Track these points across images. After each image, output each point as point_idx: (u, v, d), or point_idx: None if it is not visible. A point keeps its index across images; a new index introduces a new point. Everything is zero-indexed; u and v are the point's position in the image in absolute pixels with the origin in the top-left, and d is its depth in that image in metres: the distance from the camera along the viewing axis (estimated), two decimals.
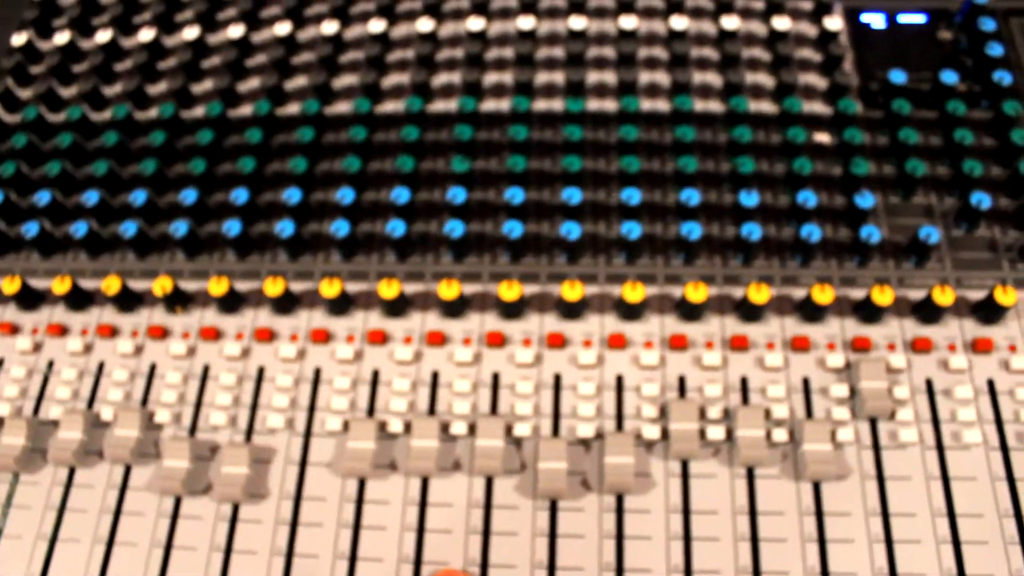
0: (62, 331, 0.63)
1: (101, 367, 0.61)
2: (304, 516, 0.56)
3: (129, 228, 0.63)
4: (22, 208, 0.67)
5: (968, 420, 0.56)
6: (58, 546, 0.56)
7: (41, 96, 0.73)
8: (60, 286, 0.62)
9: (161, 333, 0.62)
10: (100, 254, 0.65)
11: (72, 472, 0.58)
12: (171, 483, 0.56)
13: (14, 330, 0.63)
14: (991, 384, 0.57)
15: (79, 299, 0.63)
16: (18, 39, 0.77)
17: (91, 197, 0.65)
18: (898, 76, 0.66)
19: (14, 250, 0.66)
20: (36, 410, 0.60)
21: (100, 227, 0.66)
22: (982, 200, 0.61)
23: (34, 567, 0.55)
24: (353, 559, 0.54)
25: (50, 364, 0.62)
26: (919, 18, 0.72)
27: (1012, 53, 0.70)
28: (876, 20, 0.73)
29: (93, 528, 0.56)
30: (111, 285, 0.61)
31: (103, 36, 0.76)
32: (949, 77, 0.67)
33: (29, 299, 0.63)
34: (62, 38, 0.77)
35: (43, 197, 0.66)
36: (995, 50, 0.67)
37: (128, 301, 0.63)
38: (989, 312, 0.58)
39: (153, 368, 0.61)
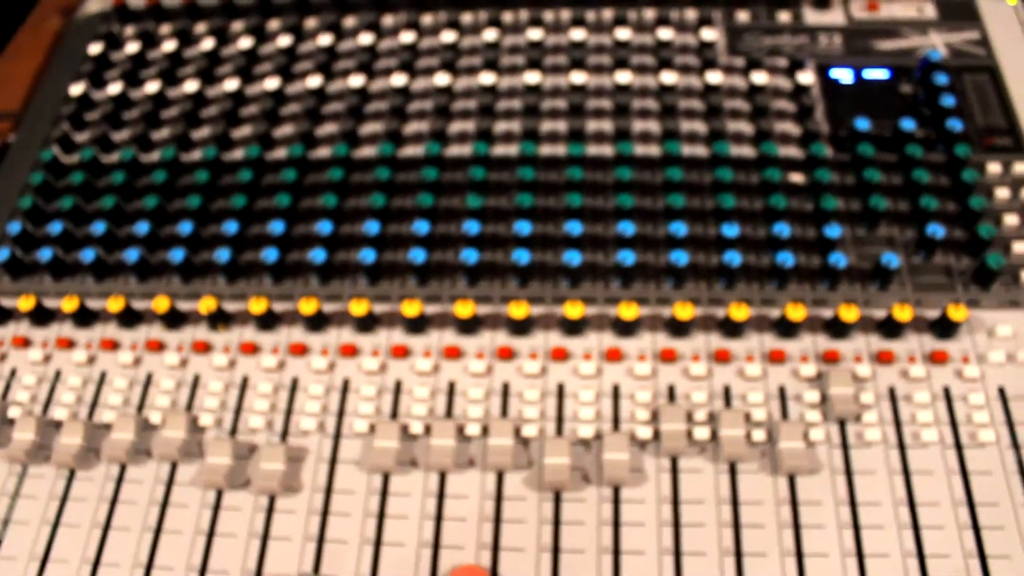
0: (114, 346, 0.69)
1: (150, 378, 0.68)
2: (334, 507, 0.61)
3: (176, 255, 0.70)
4: (78, 237, 0.74)
5: (926, 422, 0.62)
6: (111, 534, 0.61)
7: (96, 139, 0.80)
8: (114, 305, 0.68)
9: (204, 348, 0.68)
10: (148, 278, 0.72)
11: (123, 469, 0.64)
12: (214, 477, 0.61)
13: (70, 344, 0.69)
14: (947, 391, 0.63)
15: (129, 317, 0.69)
16: (75, 89, 0.84)
17: (141, 228, 0.72)
18: (863, 123, 0.73)
19: (70, 275, 0.73)
20: (91, 414, 0.66)
21: (149, 254, 0.72)
22: (936, 231, 0.67)
23: (89, 552, 0.60)
24: (378, 544, 0.60)
25: (103, 375, 0.68)
26: (883, 73, 0.79)
27: (964, 104, 0.76)
28: (844, 75, 0.79)
29: (142, 518, 0.62)
30: (160, 305, 0.68)
31: (151, 87, 0.83)
32: (908, 124, 0.73)
33: (84, 317, 0.70)
34: (115, 89, 0.84)
35: (98, 228, 0.73)
36: (948, 101, 0.74)
37: (175, 320, 0.69)
38: (944, 328, 0.65)
39: (197, 379, 0.67)
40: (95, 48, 0.87)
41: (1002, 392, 0.63)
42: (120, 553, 0.61)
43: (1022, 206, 0.71)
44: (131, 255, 0.71)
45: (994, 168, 0.73)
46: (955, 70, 0.79)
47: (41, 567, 0.61)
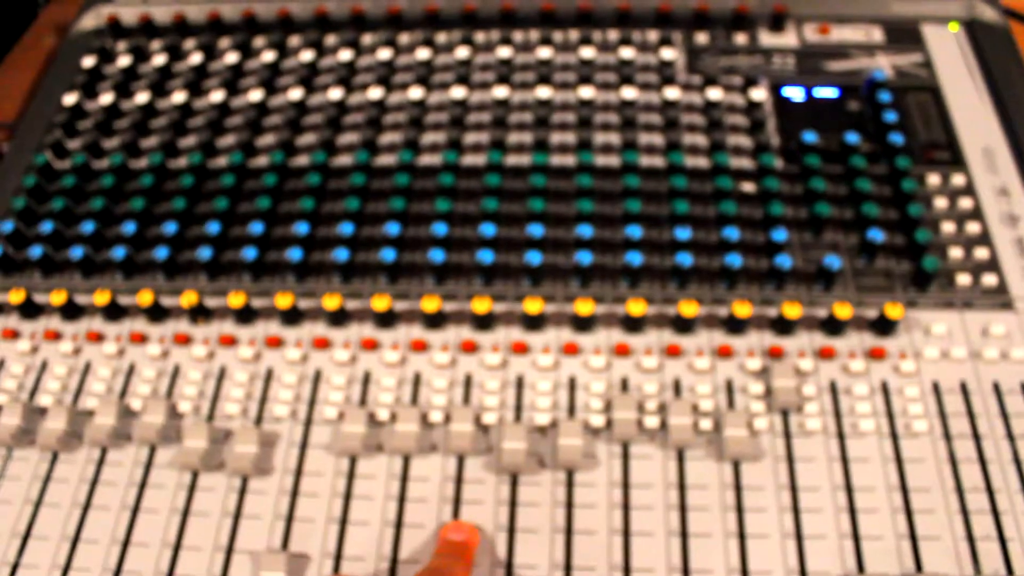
0: (99, 338, 0.72)
1: (132, 368, 0.71)
2: (303, 488, 0.64)
3: (161, 252, 0.74)
4: (68, 237, 0.78)
5: (864, 413, 0.65)
6: (90, 513, 0.64)
7: (87, 146, 0.84)
8: (100, 299, 0.72)
9: (185, 340, 0.72)
10: (133, 274, 0.75)
11: (104, 452, 0.67)
12: (190, 459, 0.64)
13: (58, 336, 0.73)
14: (884, 384, 0.66)
15: (114, 311, 0.73)
16: (69, 99, 0.88)
17: (128, 227, 0.76)
18: (810, 136, 0.78)
19: (59, 272, 0.76)
20: (75, 401, 0.69)
21: (135, 252, 0.76)
22: (876, 236, 0.71)
23: (69, 530, 0.63)
24: (344, 523, 0.62)
25: (88, 365, 0.71)
26: (832, 92, 0.83)
27: (907, 120, 0.81)
28: (796, 93, 0.84)
29: (121, 498, 0.64)
30: (143, 299, 0.71)
31: (141, 98, 0.88)
32: (852, 138, 0.78)
33: (71, 311, 0.73)
34: (106, 99, 0.88)
35: (87, 227, 0.76)
36: (890, 117, 0.79)
37: (158, 313, 0.72)
38: (882, 326, 0.68)
39: (177, 369, 0.70)
40: (88, 61, 0.92)
41: (936, 386, 0.66)
42: (99, 531, 0.64)
43: (958, 215, 0.75)
44: (118, 253, 0.74)
45: (933, 179, 0.77)
46: (899, 89, 0.84)
47: (22, 544, 0.63)
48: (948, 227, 0.74)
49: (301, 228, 0.75)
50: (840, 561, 0.59)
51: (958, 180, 0.77)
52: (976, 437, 0.64)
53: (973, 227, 0.74)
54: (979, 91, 0.84)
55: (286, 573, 0.60)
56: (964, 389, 0.66)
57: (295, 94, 0.86)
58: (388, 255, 0.72)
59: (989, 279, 0.71)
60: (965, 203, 0.75)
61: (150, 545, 0.63)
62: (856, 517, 0.61)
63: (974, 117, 0.82)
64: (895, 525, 0.61)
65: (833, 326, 0.69)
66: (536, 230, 0.73)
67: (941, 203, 0.75)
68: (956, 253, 0.73)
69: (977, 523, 0.61)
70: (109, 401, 0.68)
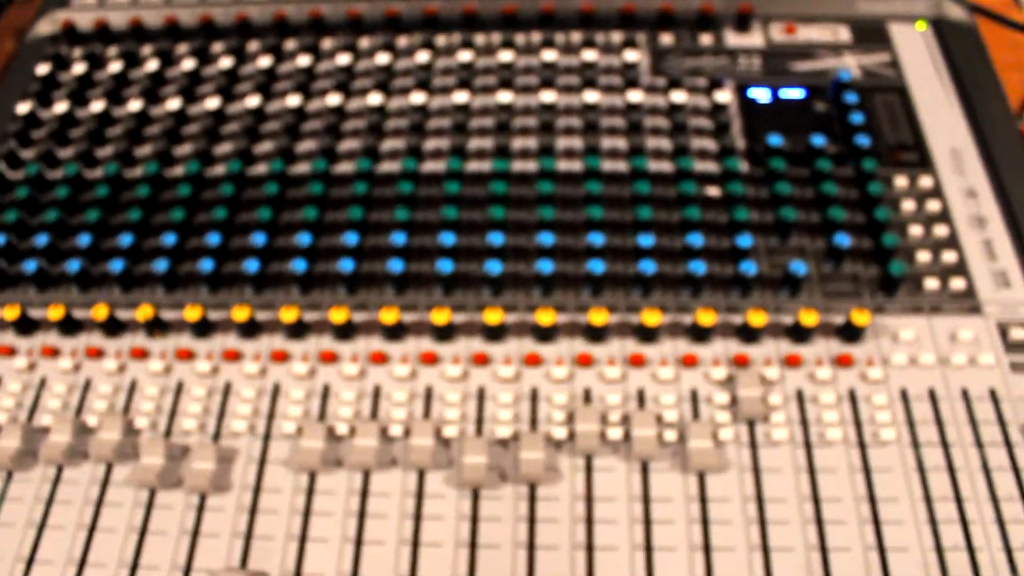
0: (54, 352, 0.71)
1: (88, 383, 0.69)
2: (262, 504, 0.63)
3: (116, 265, 0.72)
4: (21, 249, 0.77)
5: (831, 422, 0.64)
6: (46, 532, 0.63)
7: (41, 156, 0.82)
8: (54, 314, 0.71)
9: (142, 354, 0.71)
10: (88, 288, 0.74)
11: (60, 470, 0.65)
12: (147, 477, 0.63)
13: (12, 352, 0.71)
14: (851, 392, 0.66)
15: (69, 326, 0.71)
16: (22, 108, 0.86)
17: (83, 240, 0.75)
18: (776, 139, 0.77)
19: (12, 286, 0.75)
20: (30, 418, 0.68)
21: (91, 264, 0.75)
22: (843, 240, 0.70)
23: (23, 550, 0.62)
24: (303, 540, 0.61)
25: (42, 380, 0.70)
26: (798, 93, 0.83)
27: (874, 121, 0.80)
28: (762, 94, 0.83)
29: (77, 517, 0.63)
30: (99, 313, 0.70)
31: (97, 106, 0.86)
32: (818, 140, 0.77)
33: (26, 326, 0.72)
34: (61, 107, 0.86)
35: (40, 240, 0.75)
36: (856, 118, 0.78)
37: (113, 327, 0.71)
38: (849, 333, 0.67)
39: (134, 384, 0.69)
40: (43, 69, 0.90)
41: (904, 393, 0.66)
42: (54, 551, 0.62)
43: (926, 217, 0.74)
44: (72, 265, 0.73)
45: (901, 182, 0.76)
46: (866, 90, 0.83)
47: None
48: (916, 230, 0.73)
49: (258, 239, 0.74)
50: (807, 574, 0.59)
51: (925, 182, 0.77)
52: (944, 445, 0.63)
53: (941, 230, 0.73)
54: (947, 91, 0.83)
55: None
56: (932, 396, 0.66)
57: (252, 101, 0.85)
58: (346, 265, 0.71)
59: (957, 283, 0.71)
60: (933, 205, 0.75)
61: (107, 565, 0.62)
62: (823, 529, 0.60)
63: (942, 117, 0.82)
64: (863, 536, 0.60)
65: (799, 333, 0.68)
66: (496, 238, 0.72)
67: (908, 206, 0.75)
68: (924, 257, 0.72)
69: (946, 533, 0.60)
70: (64, 418, 0.67)
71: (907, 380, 0.67)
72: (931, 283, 0.71)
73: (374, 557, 0.61)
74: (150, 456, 0.65)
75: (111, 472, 0.66)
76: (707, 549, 0.60)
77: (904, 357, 0.67)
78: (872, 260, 0.72)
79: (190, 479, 0.64)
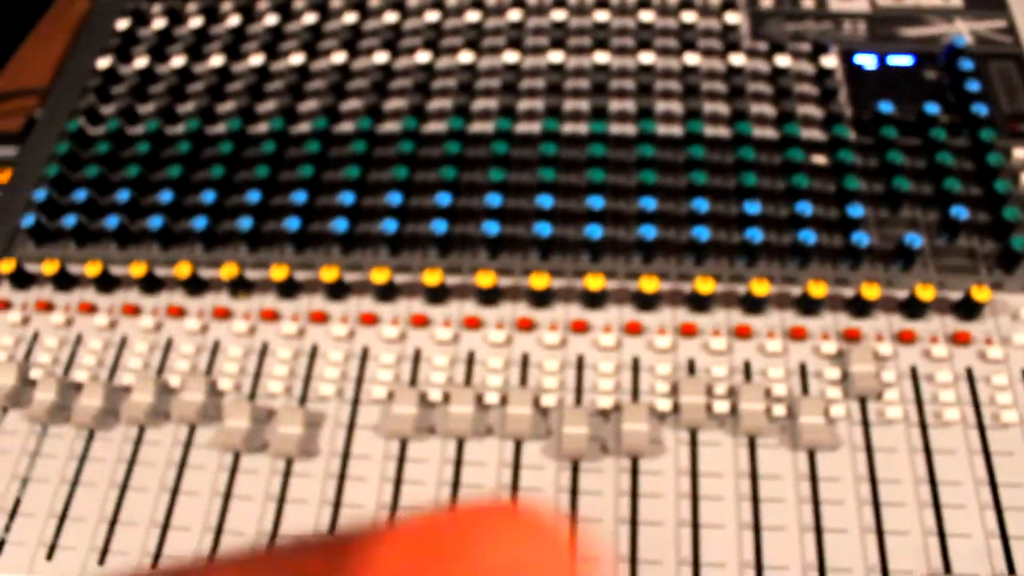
0: (136, 311, 0.69)
1: (170, 343, 0.67)
2: (351, 471, 0.61)
3: (199, 223, 0.70)
4: (102, 206, 0.75)
5: (948, 401, 0.61)
6: (128, 494, 0.61)
7: (121, 111, 0.80)
8: (136, 271, 0.68)
9: (225, 314, 0.68)
10: (171, 245, 0.72)
11: (142, 431, 0.64)
12: (232, 440, 0.62)
13: (92, 309, 0.69)
14: (969, 371, 0.62)
15: (151, 284, 0.69)
16: (102, 63, 0.85)
17: (165, 196, 0.72)
18: (886, 107, 0.73)
19: (94, 241, 0.73)
20: (111, 377, 0.66)
21: (172, 222, 0.72)
22: (960, 213, 0.67)
23: (107, 511, 0.61)
24: (394, 509, 0.59)
25: (124, 339, 0.68)
26: (907, 60, 0.79)
27: (989, 90, 0.76)
28: (868, 61, 0.79)
29: (160, 479, 0.62)
30: (182, 271, 0.68)
31: (177, 61, 0.84)
32: (932, 108, 0.73)
33: (106, 283, 0.70)
34: (141, 63, 0.84)
35: (122, 196, 0.73)
36: (973, 86, 0.74)
37: (196, 286, 0.69)
38: (968, 309, 0.64)
39: (217, 345, 0.67)
40: (122, 24, 0.88)
41: None
42: (137, 512, 0.61)
43: None
44: (155, 223, 0.71)
45: (1020, 153, 0.72)
46: (980, 57, 0.79)
47: (59, 525, 0.61)
48: None
49: (346, 198, 0.71)
50: (925, 560, 0.56)
51: None
52: None
53: None
54: None
55: None
56: None
57: (339, 57, 0.82)
58: (440, 227, 0.68)
59: None
60: None
61: (191, 529, 0.60)
62: (941, 513, 0.57)
63: None
64: (983, 522, 0.57)
65: (914, 308, 0.65)
66: (596, 202, 0.69)
67: None
68: None
69: None
70: (146, 377, 0.65)
71: None
72: None
73: None
74: (235, 418, 0.62)
75: (194, 434, 0.64)
76: (818, 530, 0.57)
77: None
78: (990, 234, 0.69)
79: (276, 443, 0.62)
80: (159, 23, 0.88)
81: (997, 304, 0.66)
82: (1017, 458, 0.59)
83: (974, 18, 0.82)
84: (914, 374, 0.63)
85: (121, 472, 0.62)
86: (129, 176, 0.75)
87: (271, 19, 0.86)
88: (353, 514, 0.60)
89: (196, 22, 0.88)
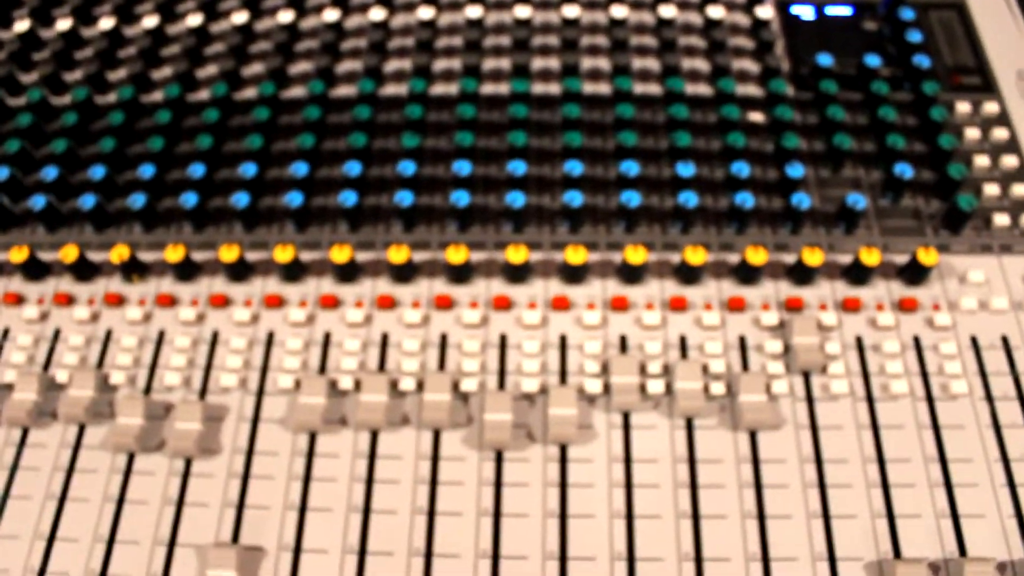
0: (18, 300, 0.64)
1: (57, 334, 0.62)
2: (256, 470, 0.57)
3: (87, 201, 0.64)
4: (26, 184, 0.69)
5: (895, 373, 0.59)
6: (9, 503, 0.56)
7: (44, 79, 0.74)
8: (17, 256, 0.63)
9: (117, 300, 0.63)
10: (57, 227, 0.66)
11: (25, 432, 0.59)
12: (124, 439, 0.57)
13: None
14: (916, 340, 0.60)
15: (35, 269, 0.64)
16: (20, 26, 0.78)
17: (50, 173, 0.67)
18: (825, 60, 0.70)
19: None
20: None
21: (60, 202, 0.67)
22: (904, 171, 0.64)
23: None
24: (303, 510, 0.55)
25: (5, 331, 0.63)
26: (846, 10, 0.76)
27: (931, 41, 0.74)
28: (805, 11, 0.76)
29: (46, 485, 0.57)
30: (68, 254, 0.62)
31: (106, 23, 0.78)
32: (873, 61, 0.70)
33: None
34: (63, 25, 0.78)
35: (49, 173, 0.67)
36: (915, 37, 0.71)
37: (85, 271, 0.64)
38: (913, 274, 0.61)
39: (109, 334, 0.62)
40: None
41: (974, 341, 0.60)
42: (19, 524, 0.56)
43: (993, 147, 0.68)
44: (38, 202, 0.65)
45: (963, 107, 0.70)
46: (921, 6, 0.77)
47: None
48: (982, 161, 0.67)
49: (248, 170, 0.66)
50: (874, 544, 0.54)
51: (991, 108, 0.71)
52: (1021, 399, 0.58)
53: (1010, 160, 0.68)
54: (1011, 7, 0.77)
55: (237, 570, 0.53)
56: (1006, 344, 0.60)
57: (286, 16, 0.77)
58: (349, 198, 0.63)
59: None
60: (1000, 133, 0.69)
61: (80, 540, 0.55)
62: (890, 493, 0.55)
63: (1005, 37, 0.76)
64: (934, 501, 0.55)
65: (858, 273, 0.62)
66: (518, 167, 0.64)
67: (973, 134, 0.69)
68: (992, 190, 0.66)
69: None
70: (29, 373, 0.60)
71: (978, 327, 0.61)
72: (1000, 219, 0.65)
73: (384, 528, 0.55)
74: (128, 416, 0.58)
75: (83, 434, 0.59)
76: (761, 516, 0.55)
77: (974, 301, 0.62)
78: (935, 193, 0.66)
79: (173, 441, 0.57)
80: None
81: (944, 267, 0.63)
82: (968, 431, 0.57)
83: None
84: (859, 345, 0.60)
85: (1, 480, 0.57)
86: (56, 151, 0.69)
87: None
88: (258, 516, 0.55)
89: None
